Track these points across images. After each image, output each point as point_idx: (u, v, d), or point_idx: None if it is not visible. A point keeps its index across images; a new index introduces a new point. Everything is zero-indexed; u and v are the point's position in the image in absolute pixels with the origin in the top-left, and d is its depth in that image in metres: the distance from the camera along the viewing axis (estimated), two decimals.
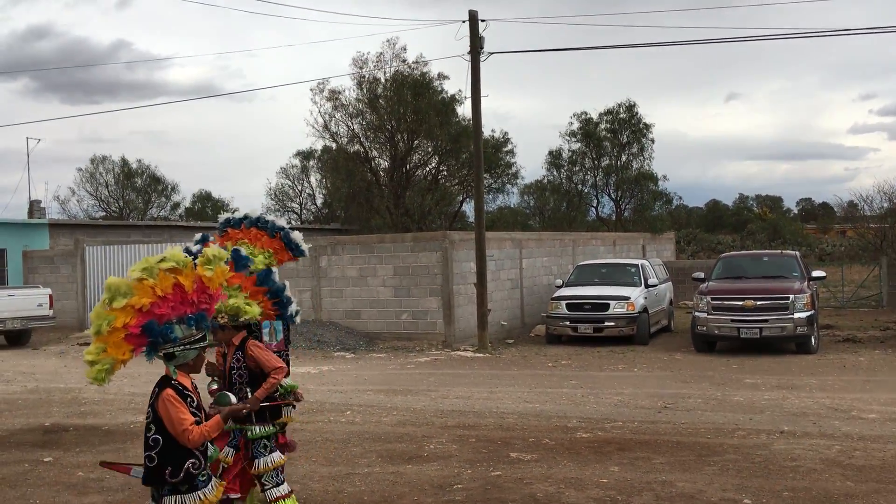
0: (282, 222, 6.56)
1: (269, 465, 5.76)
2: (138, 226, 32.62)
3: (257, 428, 5.77)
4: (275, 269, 6.10)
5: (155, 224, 35.14)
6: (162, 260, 4.21)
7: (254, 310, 5.72)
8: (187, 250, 5.92)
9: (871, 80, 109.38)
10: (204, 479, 4.25)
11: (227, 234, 6.43)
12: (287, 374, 6.20)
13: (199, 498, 4.21)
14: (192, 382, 4.37)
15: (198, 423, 4.21)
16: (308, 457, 8.24)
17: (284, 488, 5.85)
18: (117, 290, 4.14)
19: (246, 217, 6.46)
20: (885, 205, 26.70)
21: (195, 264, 4.40)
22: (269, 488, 5.75)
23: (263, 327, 6.23)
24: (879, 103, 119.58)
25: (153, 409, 4.21)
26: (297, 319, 6.11)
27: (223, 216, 6.57)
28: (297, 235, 6.60)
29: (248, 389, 5.73)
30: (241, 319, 5.75)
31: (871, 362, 14.17)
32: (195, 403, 4.27)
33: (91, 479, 7.61)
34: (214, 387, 5.59)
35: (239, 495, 5.88)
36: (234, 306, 5.62)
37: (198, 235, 6.54)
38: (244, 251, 6.20)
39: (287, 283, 5.78)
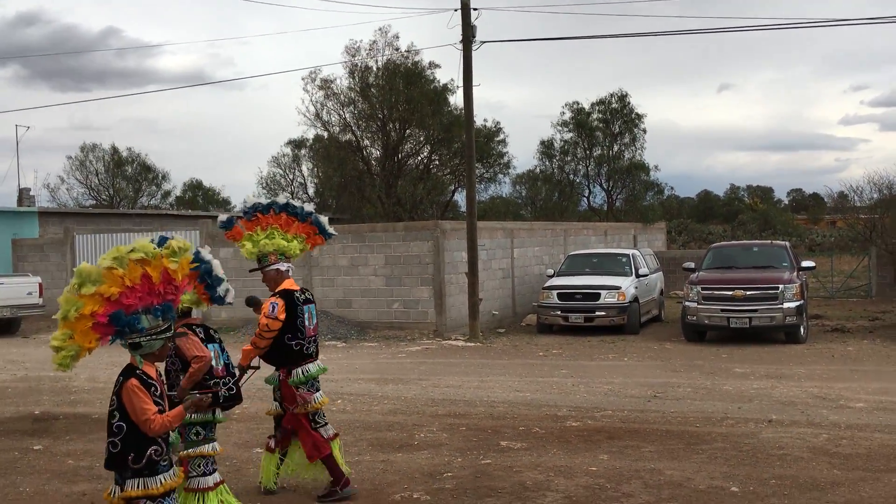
0: (309, 207, 6.69)
1: (194, 452, 5.65)
2: (129, 214, 32.48)
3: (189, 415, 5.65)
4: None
5: (145, 213, 35.00)
6: (132, 250, 4.27)
7: (185, 297, 5.45)
8: (226, 221, 6.32)
9: (862, 70, 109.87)
10: (165, 464, 4.37)
11: (257, 219, 6.51)
12: (316, 358, 6.45)
13: (161, 482, 4.31)
14: (156, 371, 4.45)
15: (161, 412, 4.29)
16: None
17: (210, 480, 5.67)
18: (87, 277, 4.21)
19: (273, 203, 6.55)
20: (876, 196, 26.69)
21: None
22: (193, 476, 5.61)
23: (303, 312, 6.40)
24: (871, 94, 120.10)
25: (118, 397, 4.29)
26: (229, 299, 5.67)
27: (251, 201, 6.60)
28: (323, 219, 6.78)
29: (182, 377, 5.68)
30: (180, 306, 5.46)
31: (860, 352, 14.26)
32: (158, 392, 4.34)
33: (81, 467, 7.61)
34: None
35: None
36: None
37: (223, 217, 6.63)
38: (278, 237, 6.32)
39: (217, 263, 5.47)
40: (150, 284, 4.28)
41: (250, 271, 6.79)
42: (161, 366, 4.73)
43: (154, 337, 4.32)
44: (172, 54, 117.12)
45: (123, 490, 4.28)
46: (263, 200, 6.58)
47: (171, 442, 4.44)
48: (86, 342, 4.19)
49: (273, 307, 6.21)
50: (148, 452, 4.25)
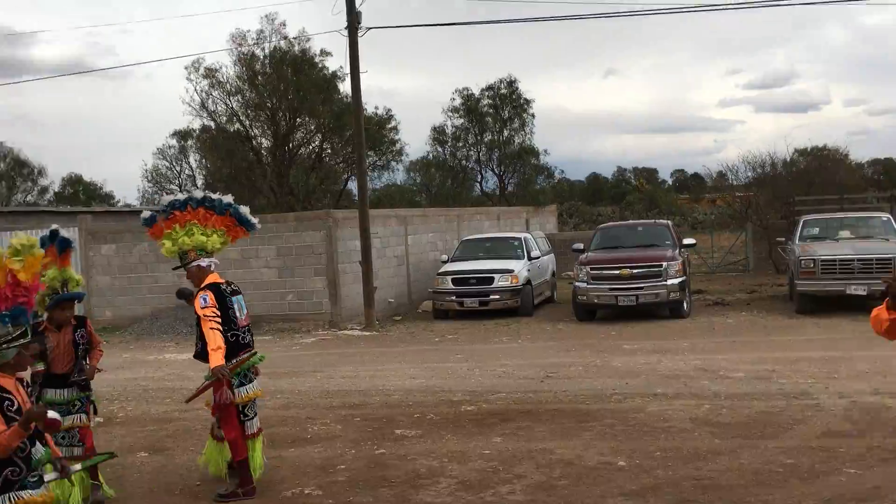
0: (228, 199, 6.60)
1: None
2: (2, 212, 30.67)
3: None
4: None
5: (20, 210, 33.13)
6: None
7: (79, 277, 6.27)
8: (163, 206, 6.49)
9: (737, 55, 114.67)
10: (34, 480, 3.95)
11: (175, 217, 6.41)
12: (252, 348, 6.54)
13: (24, 497, 3.90)
14: (14, 383, 4.02)
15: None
16: (186, 446, 8.00)
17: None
18: None
19: (190, 198, 6.47)
20: (750, 174, 28.11)
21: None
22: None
23: (232, 303, 6.36)
24: (745, 77, 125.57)
25: None
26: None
27: (166, 198, 6.57)
28: (245, 209, 6.69)
29: (83, 363, 6.22)
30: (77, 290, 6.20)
31: (739, 323, 14.95)
32: (14, 407, 3.92)
33: None
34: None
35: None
36: (79, 278, 6.13)
37: (146, 214, 6.63)
38: (196, 233, 6.30)
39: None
40: None
41: (174, 269, 6.87)
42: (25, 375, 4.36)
43: (5, 346, 3.91)
44: (48, 43, 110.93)
45: None
46: (180, 196, 6.53)
47: (37, 460, 4.01)
48: None
49: (204, 300, 6.21)
50: (4, 474, 3.85)
